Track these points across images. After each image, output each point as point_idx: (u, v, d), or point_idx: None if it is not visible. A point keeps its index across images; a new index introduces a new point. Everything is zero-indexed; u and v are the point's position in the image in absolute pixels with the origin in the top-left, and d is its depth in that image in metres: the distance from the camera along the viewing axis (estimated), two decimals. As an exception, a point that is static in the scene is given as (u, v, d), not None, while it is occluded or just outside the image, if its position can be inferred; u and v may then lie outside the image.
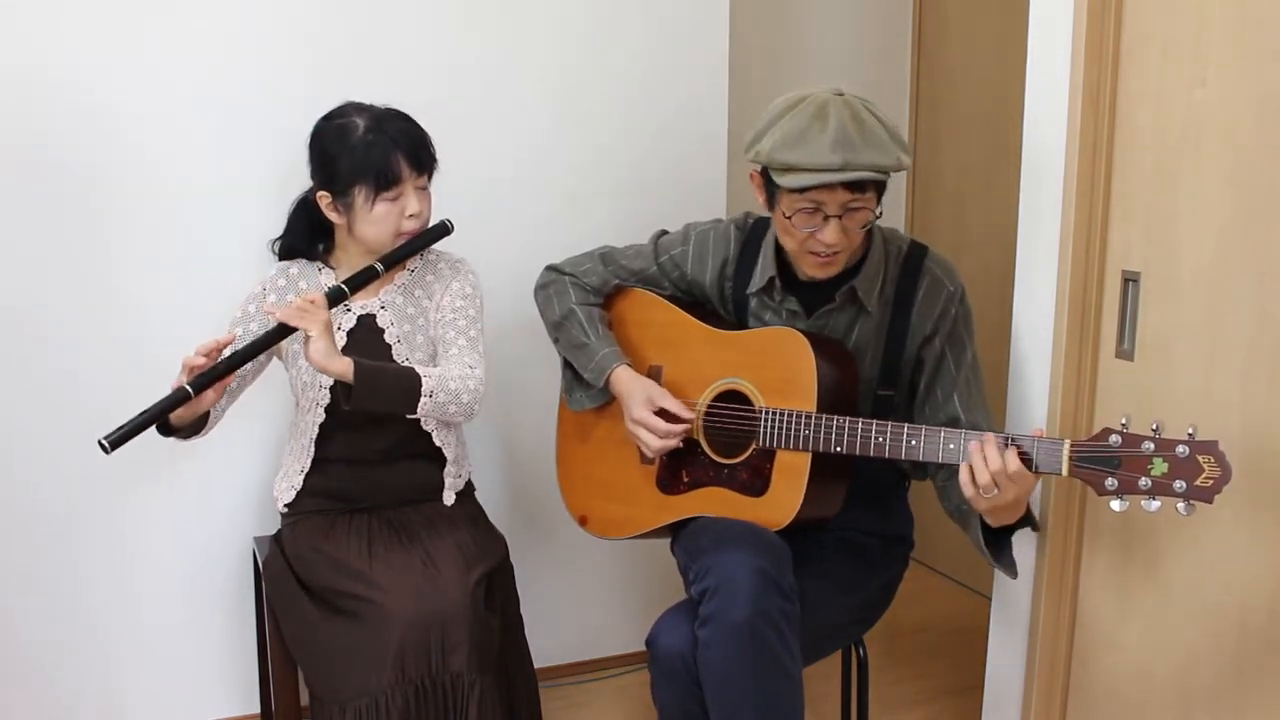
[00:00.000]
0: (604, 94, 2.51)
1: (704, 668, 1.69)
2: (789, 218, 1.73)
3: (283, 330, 1.81)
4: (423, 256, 2.09)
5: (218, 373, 1.78)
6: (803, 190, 1.67)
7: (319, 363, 1.76)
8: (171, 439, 1.90)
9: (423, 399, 1.83)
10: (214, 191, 2.24)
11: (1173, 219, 1.71)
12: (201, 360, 1.77)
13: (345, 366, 1.77)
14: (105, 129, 2.15)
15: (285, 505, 2.05)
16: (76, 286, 2.18)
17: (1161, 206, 1.73)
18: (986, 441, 1.59)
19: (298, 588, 1.94)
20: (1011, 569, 1.74)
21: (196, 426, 1.92)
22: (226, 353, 1.81)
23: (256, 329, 1.97)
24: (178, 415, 1.83)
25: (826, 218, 1.71)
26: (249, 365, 1.93)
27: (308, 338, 1.76)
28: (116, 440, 1.69)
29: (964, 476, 1.59)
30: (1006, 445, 1.58)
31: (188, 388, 1.75)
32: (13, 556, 2.21)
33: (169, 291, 2.24)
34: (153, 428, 1.77)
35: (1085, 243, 1.84)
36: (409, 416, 1.89)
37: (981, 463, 1.57)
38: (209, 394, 1.79)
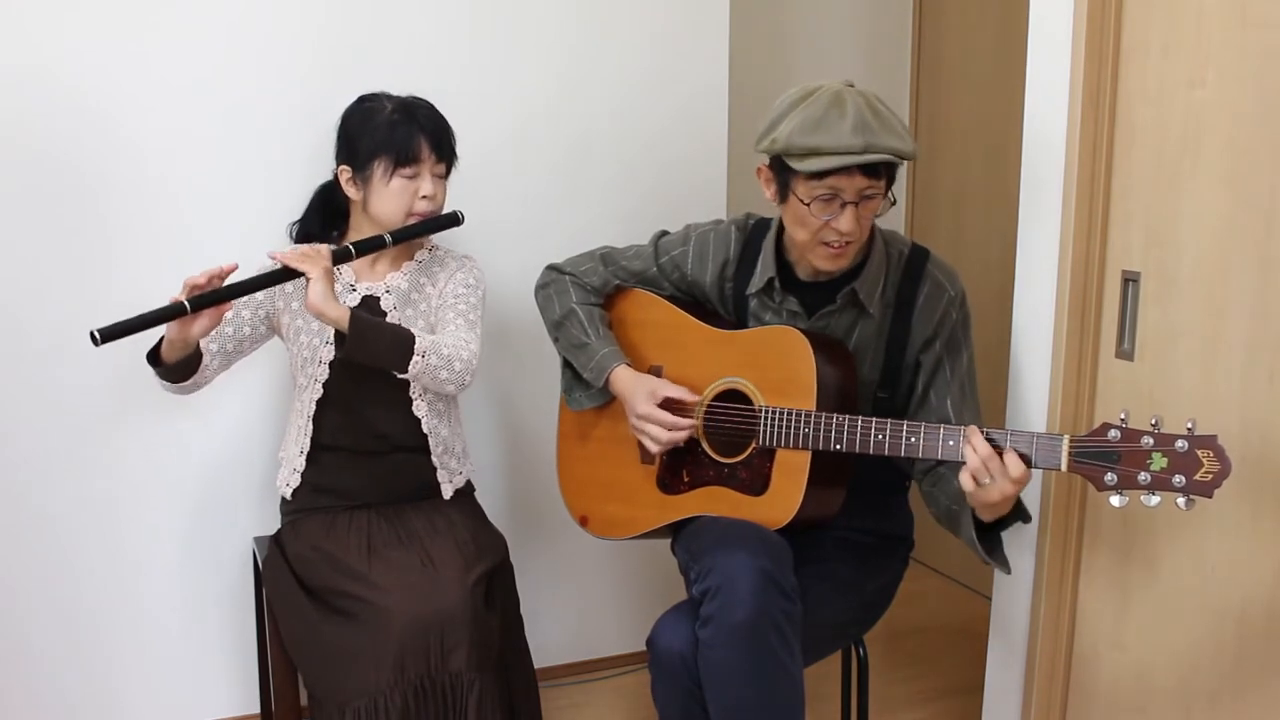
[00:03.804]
0: (603, 93, 2.51)
1: (705, 668, 1.69)
2: (806, 204, 1.73)
3: (286, 273, 1.82)
4: (431, 251, 2.11)
5: (217, 296, 1.78)
6: (823, 175, 1.68)
7: (316, 306, 1.77)
8: (160, 381, 1.92)
9: (415, 357, 1.84)
10: (214, 191, 2.24)
11: (1173, 219, 1.71)
12: (202, 280, 1.78)
13: (341, 313, 1.78)
14: (106, 129, 2.15)
15: (287, 495, 2.06)
16: (77, 286, 2.17)
17: (1161, 206, 1.73)
18: (972, 433, 1.60)
19: (298, 588, 1.94)
20: (1005, 565, 1.74)
21: (184, 370, 1.92)
22: (229, 281, 1.82)
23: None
24: (169, 344, 1.84)
25: (843, 205, 1.71)
26: (247, 331, 2.01)
27: (308, 281, 1.78)
28: (107, 334, 1.70)
29: (964, 478, 1.60)
30: (1006, 445, 1.58)
31: (185, 302, 1.75)
32: (13, 556, 2.21)
33: (169, 291, 2.21)
34: (144, 357, 1.83)
35: (1085, 243, 1.84)
36: (400, 375, 1.88)
37: (972, 453, 1.58)
38: (203, 319, 1.80)
